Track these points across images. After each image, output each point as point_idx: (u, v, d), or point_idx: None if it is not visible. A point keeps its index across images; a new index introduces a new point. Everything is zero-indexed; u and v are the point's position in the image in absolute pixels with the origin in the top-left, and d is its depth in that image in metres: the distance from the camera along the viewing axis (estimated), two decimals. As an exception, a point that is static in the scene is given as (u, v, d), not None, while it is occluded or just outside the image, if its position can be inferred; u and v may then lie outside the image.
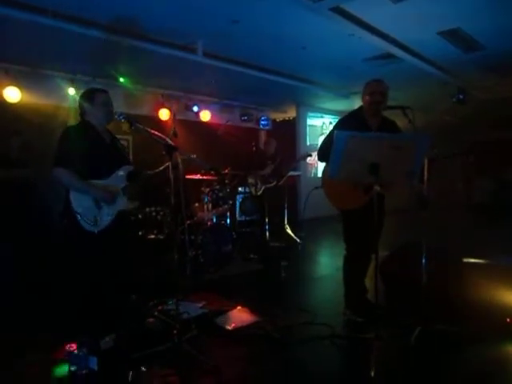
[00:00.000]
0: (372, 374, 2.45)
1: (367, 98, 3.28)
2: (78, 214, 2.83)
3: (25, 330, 3.31)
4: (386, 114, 3.36)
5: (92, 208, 2.88)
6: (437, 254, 3.40)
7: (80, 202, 2.86)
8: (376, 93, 3.23)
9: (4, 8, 3.90)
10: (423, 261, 3.01)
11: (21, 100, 5.72)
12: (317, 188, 5.74)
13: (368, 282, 3.54)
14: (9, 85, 5.62)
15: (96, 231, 2.87)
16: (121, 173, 3.07)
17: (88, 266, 2.87)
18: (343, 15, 4.50)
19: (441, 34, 5.16)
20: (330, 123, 10.62)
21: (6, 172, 4.54)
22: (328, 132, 3.61)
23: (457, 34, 5.15)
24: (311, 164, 10.37)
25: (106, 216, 2.94)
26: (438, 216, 4.22)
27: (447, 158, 3.22)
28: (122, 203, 3.04)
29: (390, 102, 3.25)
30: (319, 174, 8.57)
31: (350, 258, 3.49)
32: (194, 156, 3.34)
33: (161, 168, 3.08)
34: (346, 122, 3.42)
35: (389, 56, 5.88)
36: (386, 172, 2.61)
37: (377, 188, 2.76)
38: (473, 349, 2.86)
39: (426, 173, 2.96)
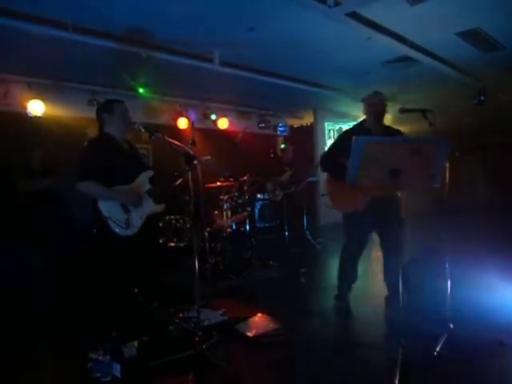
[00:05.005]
0: (396, 381, 2.41)
1: (367, 108, 3.62)
2: (109, 218, 2.89)
3: (49, 333, 3.38)
4: (406, 116, 3.33)
5: (120, 212, 2.96)
6: (460, 258, 3.33)
7: (108, 207, 2.94)
8: (374, 104, 3.54)
9: (26, 23, 4.03)
10: (446, 265, 2.95)
11: (43, 112, 5.86)
12: (323, 195, 5.93)
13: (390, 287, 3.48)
14: (32, 98, 5.77)
15: (131, 234, 2.96)
16: (143, 177, 3.16)
17: (121, 272, 2.93)
18: (359, 20, 4.48)
19: (459, 34, 5.08)
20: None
21: (29, 182, 4.67)
22: (333, 142, 3.82)
23: (476, 34, 5.06)
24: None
25: (137, 220, 3.02)
26: (461, 220, 4.13)
27: (469, 157, 3.18)
28: (150, 206, 3.13)
29: (409, 105, 3.23)
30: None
31: (345, 248, 4.08)
32: (209, 157, 3.36)
33: (180, 180, 3.13)
34: (350, 132, 3.72)
35: (407, 59, 5.82)
36: (407, 176, 2.58)
37: (398, 193, 2.74)
38: (501, 356, 2.77)
39: (447, 176, 2.91)
